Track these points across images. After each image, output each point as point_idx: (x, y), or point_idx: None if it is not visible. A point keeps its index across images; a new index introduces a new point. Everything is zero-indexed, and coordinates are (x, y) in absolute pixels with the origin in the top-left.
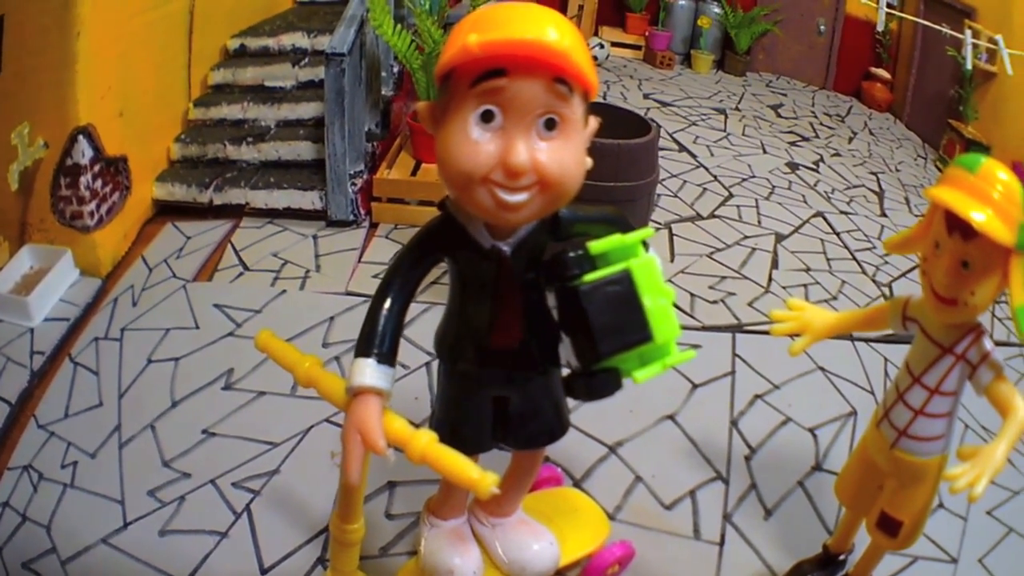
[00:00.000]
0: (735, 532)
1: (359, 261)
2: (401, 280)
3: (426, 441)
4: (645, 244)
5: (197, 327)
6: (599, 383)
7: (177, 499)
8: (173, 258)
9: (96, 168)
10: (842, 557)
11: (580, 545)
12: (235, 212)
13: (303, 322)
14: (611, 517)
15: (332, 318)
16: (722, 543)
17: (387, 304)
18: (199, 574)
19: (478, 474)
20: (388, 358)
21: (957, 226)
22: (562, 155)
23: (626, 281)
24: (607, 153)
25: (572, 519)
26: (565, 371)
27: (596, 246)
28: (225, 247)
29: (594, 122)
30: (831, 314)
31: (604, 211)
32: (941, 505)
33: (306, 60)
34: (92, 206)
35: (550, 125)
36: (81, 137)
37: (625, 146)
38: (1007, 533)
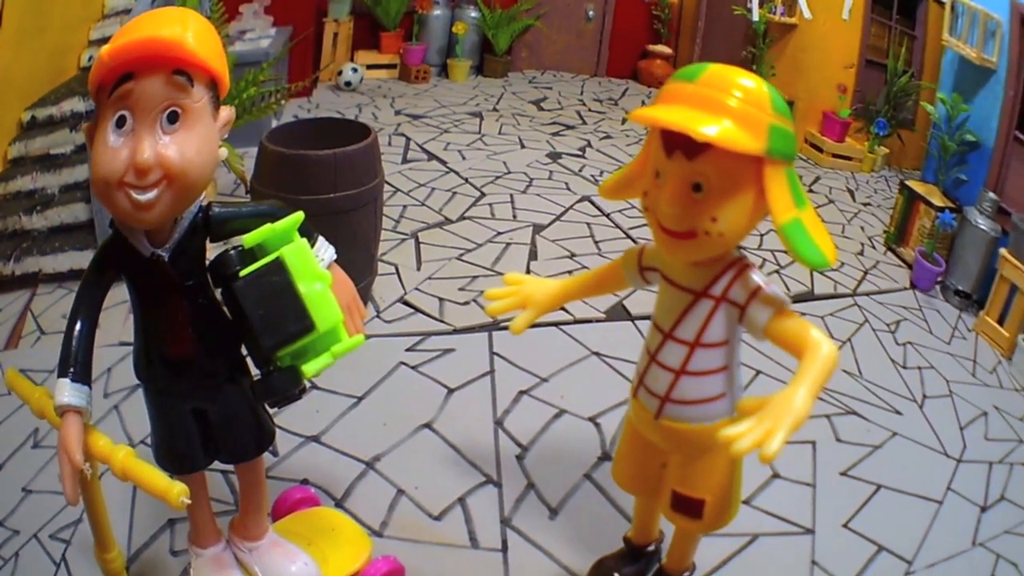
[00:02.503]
0: (518, 536)
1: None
2: (86, 304)
3: (123, 456)
4: (310, 235)
5: (8, 393)
6: (276, 383)
7: (13, 556)
8: None
9: None
10: (651, 547)
11: (343, 564)
12: (32, 280)
13: None
14: (378, 534)
15: (109, 369)
16: (504, 549)
17: (77, 327)
18: None
19: (166, 484)
20: (81, 376)
21: (678, 145)
22: (183, 146)
23: (279, 270)
24: (324, 164)
25: (331, 539)
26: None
27: (250, 238)
28: (26, 315)
29: (227, 112)
30: (554, 283)
31: (259, 204)
32: (777, 475)
33: (82, 123)
34: None
35: (172, 118)
36: None
37: (341, 154)
38: (876, 490)
